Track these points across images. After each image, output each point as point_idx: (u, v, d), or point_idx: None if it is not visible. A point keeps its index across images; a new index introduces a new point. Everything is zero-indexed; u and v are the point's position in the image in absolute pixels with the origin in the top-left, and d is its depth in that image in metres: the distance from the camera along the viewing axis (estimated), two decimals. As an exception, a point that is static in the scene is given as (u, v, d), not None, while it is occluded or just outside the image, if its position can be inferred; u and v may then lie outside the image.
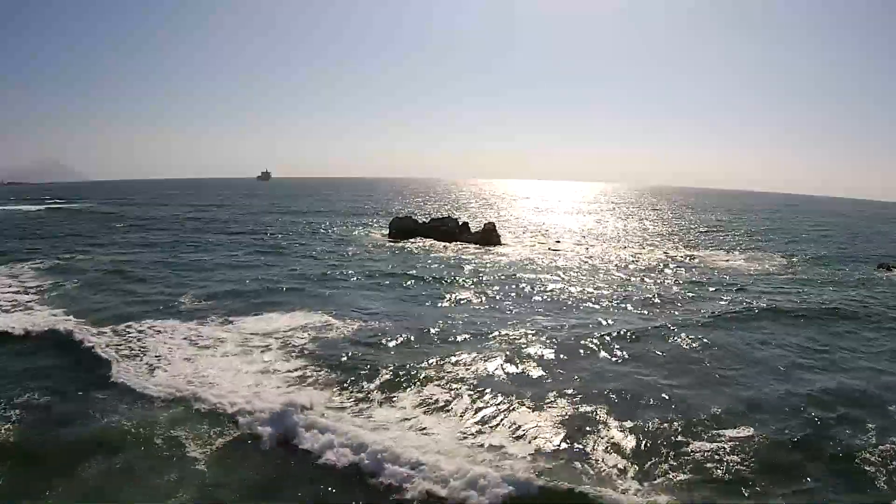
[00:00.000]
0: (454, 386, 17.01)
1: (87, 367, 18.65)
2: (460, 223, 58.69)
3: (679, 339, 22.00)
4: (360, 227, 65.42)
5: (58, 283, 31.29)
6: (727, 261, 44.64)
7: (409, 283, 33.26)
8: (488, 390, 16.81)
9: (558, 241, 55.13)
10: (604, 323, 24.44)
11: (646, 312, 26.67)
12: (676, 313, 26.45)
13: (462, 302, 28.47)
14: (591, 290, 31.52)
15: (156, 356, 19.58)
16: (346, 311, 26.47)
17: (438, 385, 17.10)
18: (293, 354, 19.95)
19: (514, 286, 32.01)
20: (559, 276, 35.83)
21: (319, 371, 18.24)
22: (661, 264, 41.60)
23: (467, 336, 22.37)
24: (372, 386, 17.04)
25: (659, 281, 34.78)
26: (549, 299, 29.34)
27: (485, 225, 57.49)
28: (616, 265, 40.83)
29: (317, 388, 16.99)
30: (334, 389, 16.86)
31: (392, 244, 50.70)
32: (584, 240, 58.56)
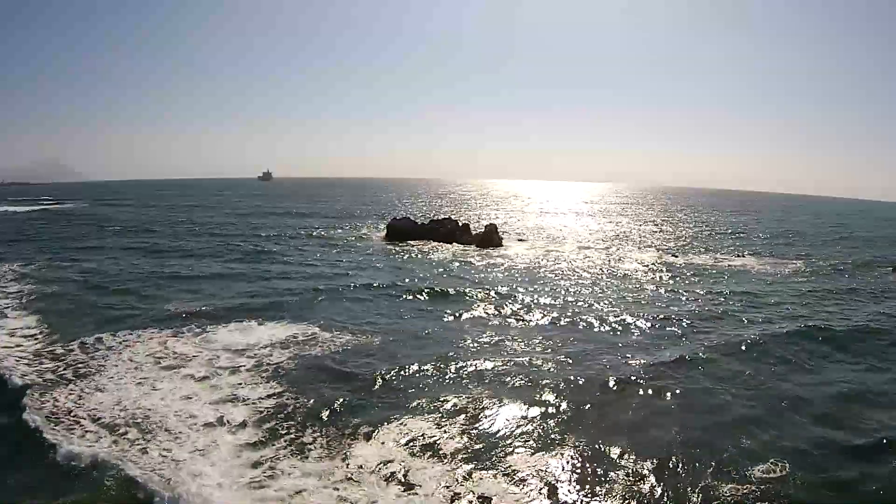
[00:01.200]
0: (447, 421, 14.80)
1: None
2: (460, 224, 56.67)
3: (701, 367, 19.69)
4: (358, 230, 63.34)
5: (38, 290, 29.56)
6: (744, 267, 42.36)
7: (403, 291, 31.00)
8: (487, 425, 14.68)
9: (563, 244, 52.98)
10: (617, 344, 22.22)
11: (662, 333, 24.16)
12: (697, 333, 24.15)
13: (459, 314, 26.28)
14: (600, 304, 29.08)
15: (108, 378, 17.52)
16: (335, 322, 24.55)
17: (429, 420, 14.87)
18: (266, 377, 17.78)
19: (516, 297, 29.72)
20: (563, 285, 33.54)
21: (294, 400, 15.95)
22: (675, 272, 39.18)
23: (464, 357, 20.27)
24: (356, 420, 14.74)
25: (674, 292, 32.20)
26: (553, 313, 26.98)
27: (486, 226, 55.41)
28: (625, 273, 38.47)
29: (288, 429, 14.52)
30: (309, 424, 14.56)
31: (389, 247, 48.67)
32: (589, 243, 56.27)
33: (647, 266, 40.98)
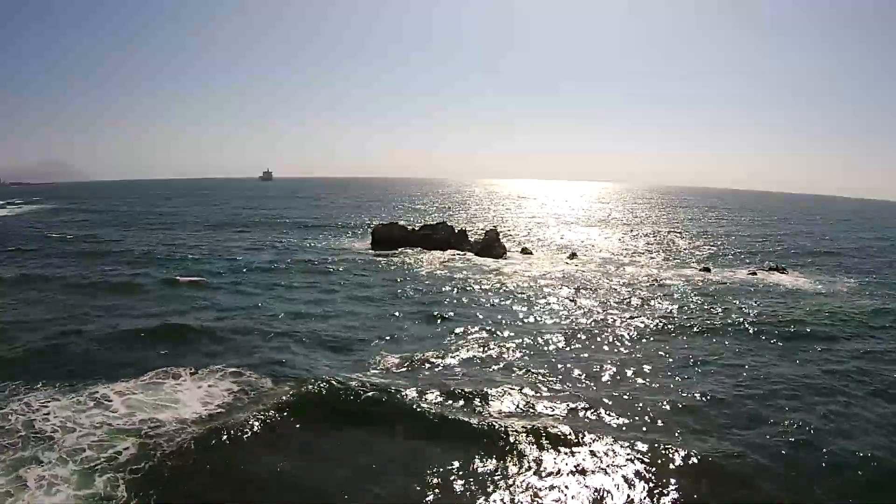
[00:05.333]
0: None
1: None
2: (456, 230, 50.06)
3: (763, 434, 14.25)
4: (342, 238, 56.46)
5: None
6: (789, 284, 35.58)
7: (378, 319, 24.76)
8: None
9: (574, 255, 45.99)
10: (650, 404, 15.89)
11: (707, 381, 18.01)
12: (748, 379, 18.19)
13: (449, 363, 19.40)
14: (629, 340, 22.48)
15: None
16: (282, 369, 18.61)
17: None
18: (137, 492, 11.36)
19: (524, 332, 22.95)
20: (581, 312, 26.62)
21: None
22: (712, 290, 32.35)
23: (457, 443, 13.89)
24: None
25: (716, 320, 25.71)
26: (573, 354, 20.59)
27: (486, 233, 48.81)
28: (656, 295, 31.49)
29: None
30: None
31: (373, 259, 41.77)
32: (608, 254, 49.18)
33: (680, 286, 33.92)
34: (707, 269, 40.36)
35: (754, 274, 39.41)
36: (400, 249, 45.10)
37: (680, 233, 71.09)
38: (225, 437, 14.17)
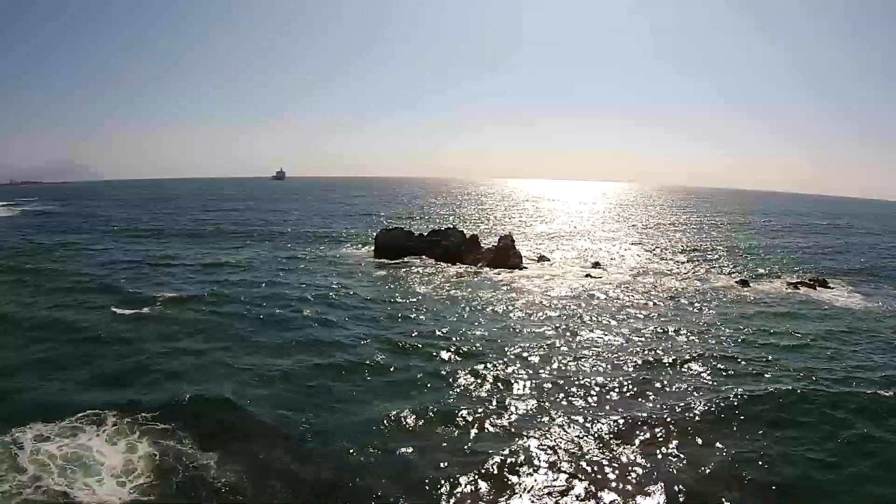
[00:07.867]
0: None
1: None
2: (467, 237, 46.34)
3: None
4: (345, 244, 52.97)
5: None
6: (837, 303, 31.70)
7: (355, 381, 19.31)
8: None
9: (596, 265, 42.16)
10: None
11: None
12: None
13: (463, 426, 15.58)
14: (666, 375, 18.77)
15: None
16: (248, 431, 15.52)
17: None
18: None
19: (547, 368, 19.31)
20: (611, 336, 22.85)
21: None
22: (756, 314, 28.36)
23: None
24: None
25: (769, 369, 21.04)
26: (604, 399, 16.85)
27: (499, 240, 44.89)
28: (691, 317, 27.85)
29: None
30: None
31: (374, 271, 38.20)
32: (633, 263, 45.27)
33: (719, 305, 30.11)
34: (745, 283, 36.43)
35: (796, 288, 35.49)
36: (405, 259, 41.55)
37: (707, 237, 66.93)
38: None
